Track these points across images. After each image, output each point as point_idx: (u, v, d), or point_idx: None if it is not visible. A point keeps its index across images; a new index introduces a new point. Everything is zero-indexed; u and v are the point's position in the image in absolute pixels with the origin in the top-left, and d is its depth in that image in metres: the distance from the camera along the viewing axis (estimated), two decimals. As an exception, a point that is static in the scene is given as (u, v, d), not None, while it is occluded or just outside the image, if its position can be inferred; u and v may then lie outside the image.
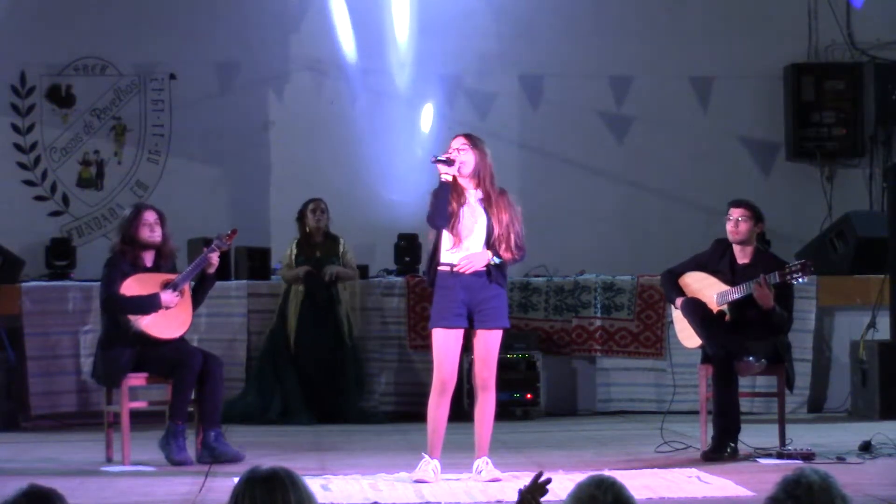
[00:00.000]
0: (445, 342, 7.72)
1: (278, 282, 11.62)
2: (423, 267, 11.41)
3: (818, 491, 3.30)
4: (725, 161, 13.07)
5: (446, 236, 7.77)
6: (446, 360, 7.72)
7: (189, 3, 12.83)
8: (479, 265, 7.71)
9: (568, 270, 12.06)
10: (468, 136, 7.87)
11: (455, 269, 7.72)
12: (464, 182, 7.79)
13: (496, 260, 7.71)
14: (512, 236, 7.71)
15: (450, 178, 7.73)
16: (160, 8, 12.74)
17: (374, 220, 12.50)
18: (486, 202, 7.75)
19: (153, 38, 12.73)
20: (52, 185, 12.76)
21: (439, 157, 7.77)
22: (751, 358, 8.54)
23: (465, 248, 7.74)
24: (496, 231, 7.70)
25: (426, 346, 8.62)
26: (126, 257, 8.68)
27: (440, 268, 7.78)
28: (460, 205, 7.76)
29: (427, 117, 12.95)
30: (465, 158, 7.77)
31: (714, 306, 8.73)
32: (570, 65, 13.02)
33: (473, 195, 7.79)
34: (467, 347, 7.92)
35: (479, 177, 7.77)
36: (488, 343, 7.76)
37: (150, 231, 8.68)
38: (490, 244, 7.71)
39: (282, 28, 12.96)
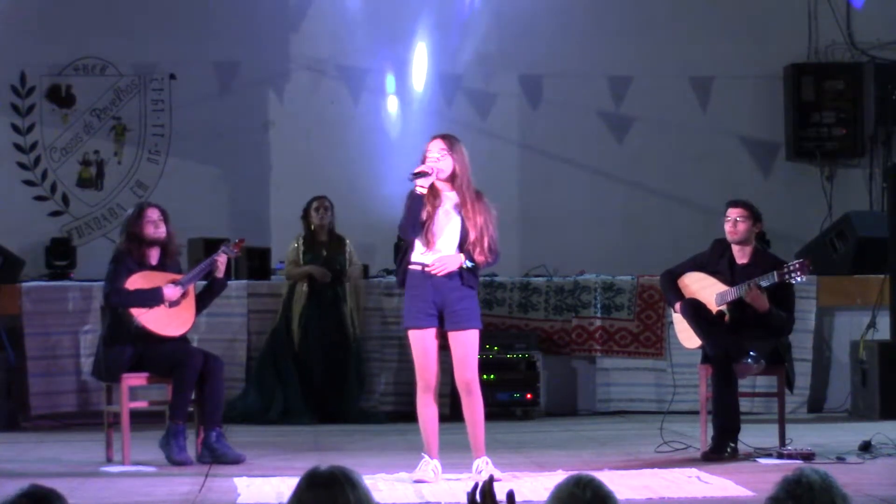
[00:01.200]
0: (422, 342, 7.75)
1: (278, 282, 11.60)
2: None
3: (818, 491, 3.29)
4: (725, 161, 13.06)
5: (419, 238, 7.77)
6: (426, 360, 7.75)
7: (189, 3, 12.83)
8: (452, 267, 7.71)
9: (568, 270, 12.05)
10: (446, 139, 7.83)
11: (427, 269, 7.72)
12: (440, 185, 7.78)
13: (468, 264, 7.72)
14: (486, 240, 7.71)
15: (424, 190, 7.71)
16: (160, 8, 12.73)
17: (374, 220, 12.48)
18: (462, 205, 7.74)
19: (153, 38, 12.73)
20: (52, 185, 12.75)
21: (416, 172, 7.75)
22: (749, 359, 8.53)
23: (437, 249, 7.73)
24: (471, 235, 7.69)
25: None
26: (132, 255, 8.70)
27: (411, 267, 7.78)
28: (435, 207, 7.75)
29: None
30: (443, 165, 7.76)
31: (713, 307, 8.73)
32: (569, 65, 13.01)
33: (449, 198, 7.78)
34: (445, 347, 7.88)
35: (456, 180, 7.76)
36: (465, 344, 7.75)
37: (155, 227, 8.71)
38: (464, 247, 7.71)
39: (282, 28, 12.96)
